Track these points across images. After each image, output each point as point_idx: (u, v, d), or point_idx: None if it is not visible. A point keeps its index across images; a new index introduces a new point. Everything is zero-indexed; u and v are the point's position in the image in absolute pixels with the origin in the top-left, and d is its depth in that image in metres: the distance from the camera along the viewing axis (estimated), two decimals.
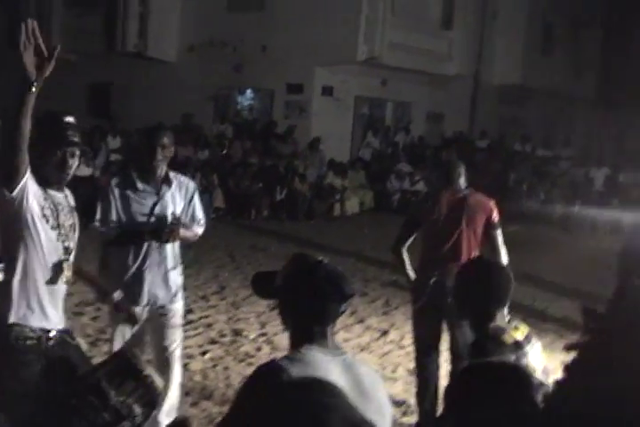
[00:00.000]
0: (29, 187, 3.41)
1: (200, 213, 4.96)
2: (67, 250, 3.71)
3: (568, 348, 1.73)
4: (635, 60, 24.09)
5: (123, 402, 3.47)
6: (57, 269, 3.66)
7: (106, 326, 7.51)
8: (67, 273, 3.74)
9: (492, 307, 3.28)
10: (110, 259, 4.82)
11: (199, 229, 4.94)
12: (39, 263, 3.59)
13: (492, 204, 5.41)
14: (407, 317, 7.46)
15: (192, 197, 4.89)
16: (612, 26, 25.83)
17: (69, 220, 3.71)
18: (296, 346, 2.41)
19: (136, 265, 4.72)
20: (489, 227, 5.32)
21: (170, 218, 4.73)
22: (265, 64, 18.73)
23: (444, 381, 5.42)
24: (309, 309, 2.43)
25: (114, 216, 4.67)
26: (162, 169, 4.72)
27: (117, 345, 4.69)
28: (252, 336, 7.48)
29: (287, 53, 18.39)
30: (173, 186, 4.79)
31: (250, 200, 15.81)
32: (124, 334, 4.78)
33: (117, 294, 4.38)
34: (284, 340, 7.10)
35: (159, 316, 4.83)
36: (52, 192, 3.62)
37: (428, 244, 5.40)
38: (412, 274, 5.49)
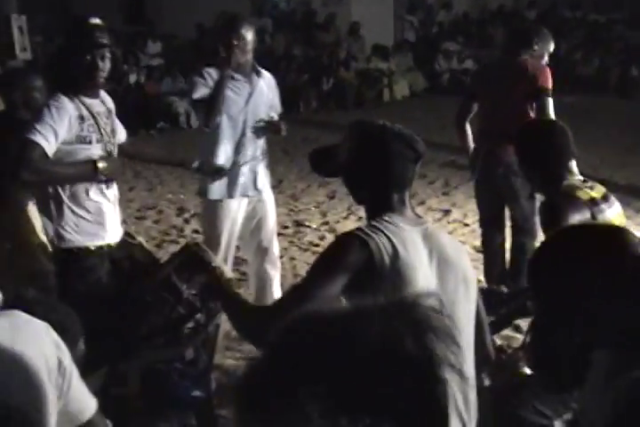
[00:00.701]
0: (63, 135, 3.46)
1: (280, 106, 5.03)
2: (109, 154, 3.70)
3: None
4: None
5: (195, 295, 3.52)
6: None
7: (169, 227, 7.63)
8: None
9: (558, 163, 3.21)
10: (207, 153, 4.81)
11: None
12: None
13: (538, 69, 5.11)
14: (468, 195, 7.40)
15: (275, 88, 4.95)
16: None
17: (108, 125, 3.69)
18: (375, 217, 2.28)
19: (234, 157, 4.75)
20: (535, 94, 5.08)
21: (266, 109, 4.81)
22: None
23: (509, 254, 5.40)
24: (386, 174, 2.29)
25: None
26: (247, 59, 4.68)
27: (223, 241, 4.76)
28: (314, 226, 7.51)
29: None
30: (262, 77, 4.82)
31: (297, 93, 15.60)
32: (228, 229, 4.79)
33: (195, 163, 4.45)
34: (346, 227, 7.12)
35: (255, 205, 4.89)
36: (87, 101, 3.57)
37: (480, 116, 5.31)
38: (471, 148, 5.40)
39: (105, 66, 3.55)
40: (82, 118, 3.52)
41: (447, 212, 7.84)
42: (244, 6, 19.55)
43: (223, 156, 4.75)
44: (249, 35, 4.63)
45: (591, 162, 9.09)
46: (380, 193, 2.30)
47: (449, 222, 7.48)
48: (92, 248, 3.64)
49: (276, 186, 9.21)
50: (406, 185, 2.33)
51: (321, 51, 16.85)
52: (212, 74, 4.66)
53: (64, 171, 3.53)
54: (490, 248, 5.42)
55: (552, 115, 5.07)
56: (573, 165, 3.33)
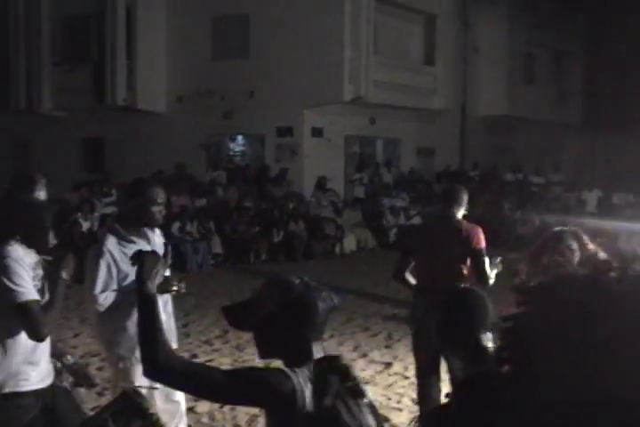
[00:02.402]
0: None
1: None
2: None
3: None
4: (616, 85, 24.40)
5: None
6: None
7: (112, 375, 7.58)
8: None
9: (471, 335, 3.09)
10: (114, 317, 4.67)
11: None
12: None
13: (472, 232, 5.45)
14: (409, 348, 7.52)
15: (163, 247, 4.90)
16: (592, 53, 26.18)
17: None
18: (295, 367, 2.39)
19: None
20: (470, 254, 5.41)
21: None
22: (254, 109, 19.01)
23: None
24: (311, 325, 2.44)
25: (115, 281, 4.55)
26: (158, 221, 4.72)
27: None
28: None
29: (275, 98, 18.69)
30: (155, 233, 4.82)
31: (248, 244, 15.91)
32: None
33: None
34: None
35: None
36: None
37: (417, 273, 5.56)
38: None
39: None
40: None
41: (388, 364, 7.95)
42: (200, 158, 20.26)
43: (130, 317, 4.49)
44: (162, 195, 4.69)
45: None
46: (303, 344, 2.45)
47: (389, 375, 7.58)
48: (25, 391, 3.69)
49: (222, 336, 9.28)
50: (323, 333, 2.53)
51: (272, 204, 17.35)
52: (114, 253, 4.54)
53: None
54: (426, 399, 5.49)
55: (488, 271, 5.39)
56: (486, 336, 3.23)
